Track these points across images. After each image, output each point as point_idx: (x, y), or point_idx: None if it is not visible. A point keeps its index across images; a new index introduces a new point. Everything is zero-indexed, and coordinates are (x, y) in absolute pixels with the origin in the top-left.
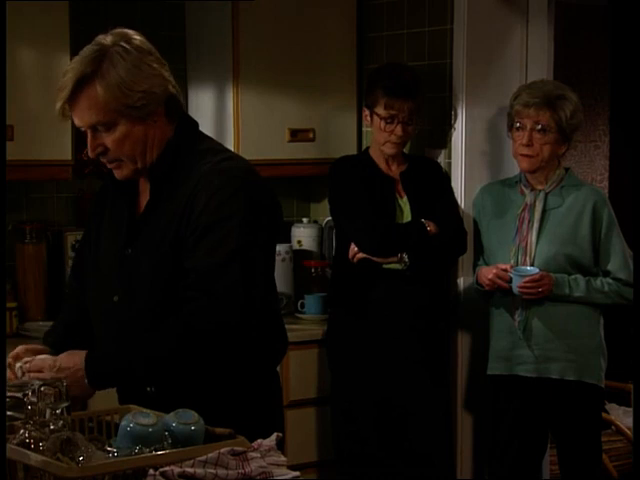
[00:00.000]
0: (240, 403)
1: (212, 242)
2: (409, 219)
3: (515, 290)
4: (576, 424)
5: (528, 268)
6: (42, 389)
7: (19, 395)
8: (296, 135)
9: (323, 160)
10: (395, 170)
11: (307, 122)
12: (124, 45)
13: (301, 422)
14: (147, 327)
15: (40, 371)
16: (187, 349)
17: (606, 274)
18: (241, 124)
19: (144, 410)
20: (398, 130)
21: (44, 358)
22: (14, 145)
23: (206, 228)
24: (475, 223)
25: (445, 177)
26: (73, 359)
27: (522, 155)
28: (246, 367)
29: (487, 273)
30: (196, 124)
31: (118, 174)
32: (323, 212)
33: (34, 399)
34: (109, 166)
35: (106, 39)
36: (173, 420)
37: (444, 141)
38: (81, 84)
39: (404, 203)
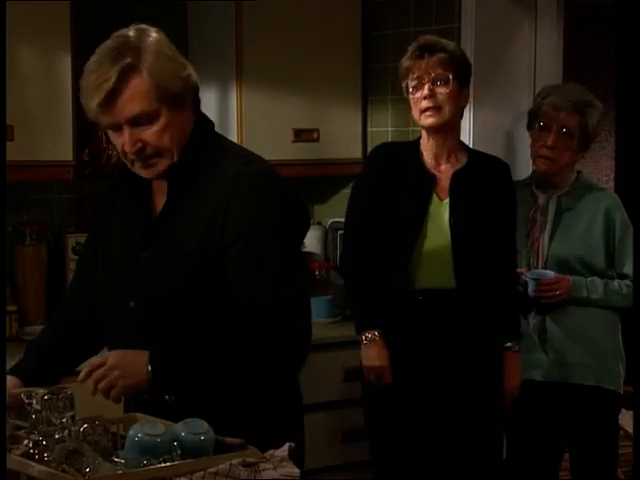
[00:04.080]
0: (261, 412)
1: (258, 254)
2: (443, 227)
3: (530, 293)
4: (593, 430)
5: (546, 272)
6: (46, 397)
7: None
8: (300, 135)
9: (327, 161)
10: (445, 166)
11: (311, 122)
12: (152, 35)
13: None
14: (169, 333)
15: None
16: (251, 356)
17: (622, 277)
18: (244, 124)
19: (151, 419)
20: (426, 90)
21: (91, 359)
22: (14, 145)
23: (247, 237)
24: None
25: (511, 191)
26: (134, 355)
27: (543, 157)
28: (273, 375)
29: None
30: (213, 123)
31: (151, 172)
32: (327, 214)
33: (38, 407)
34: (140, 166)
35: (130, 32)
36: (182, 430)
37: None
38: (126, 73)
39: (443, 207)
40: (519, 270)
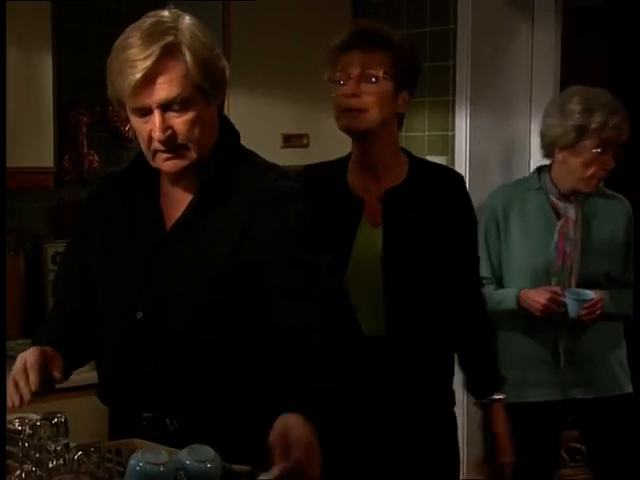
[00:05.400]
0: (264, 434)
1: (306, 265)
2: (375, 261)
3: (573, 315)
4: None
5: (585, 291)
6: (39, 423)
7: (12, 427)
8: (289, 141)
9: None
10: (376, 187)
11: (301, 127)
12: (188, 18)
13: None
14: (181, 348)
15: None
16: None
17: (627, 285)
18: None
19: (151, 445)
20: (349, 88)
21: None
22: None
23: (293, 252)
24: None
25: (466, 209)
26: (312, 435)
27: (597, 179)
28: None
29: (539, 297)
30: (238, 131)
31: (175, 166)
32: None
33: (30, 432)
34: (165, 157)
35: (165, 12)
36: (187, 457)
37: (447, 147)
38: (167, 53)
39: (376, 235)
40: (557, 290)
